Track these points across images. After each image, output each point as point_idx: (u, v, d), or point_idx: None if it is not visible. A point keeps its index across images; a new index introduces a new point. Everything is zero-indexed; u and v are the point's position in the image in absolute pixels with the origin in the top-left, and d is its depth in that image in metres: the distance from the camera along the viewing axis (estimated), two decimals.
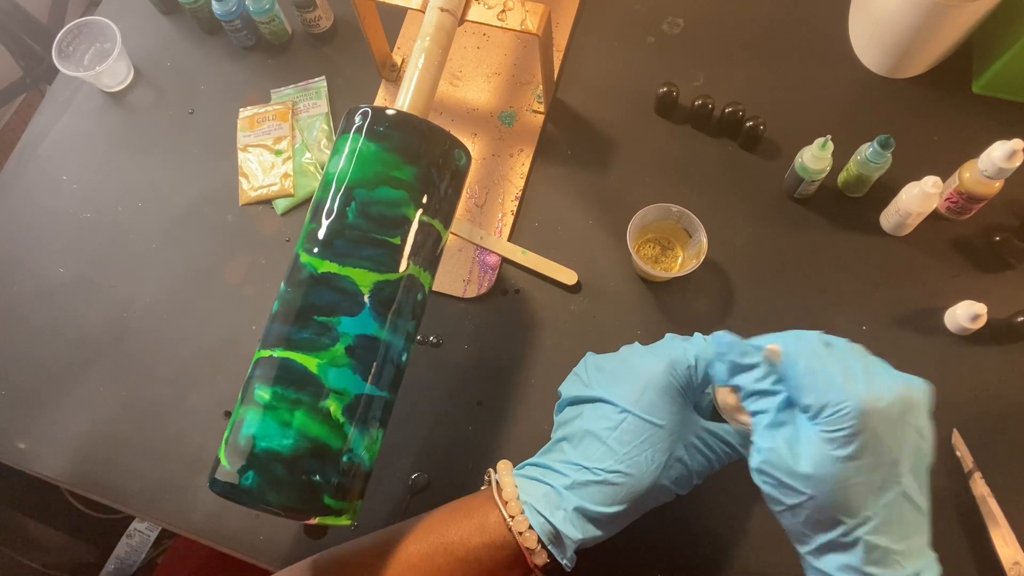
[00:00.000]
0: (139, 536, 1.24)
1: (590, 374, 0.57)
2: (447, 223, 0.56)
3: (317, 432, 0.49)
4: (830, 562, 0.45)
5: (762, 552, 0.63)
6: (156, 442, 0.71)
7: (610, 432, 0.51)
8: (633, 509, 0.52)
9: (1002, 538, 0.60)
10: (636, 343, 0.59)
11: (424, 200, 0.54)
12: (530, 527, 0.50)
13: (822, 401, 0.43)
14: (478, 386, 0.70)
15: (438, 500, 0.66)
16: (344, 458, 0.49)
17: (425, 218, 0.54)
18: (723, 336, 0.49)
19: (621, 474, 0.50)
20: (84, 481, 0.71)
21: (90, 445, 0.71)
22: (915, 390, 0.45)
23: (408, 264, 0.53)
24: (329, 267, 0.51)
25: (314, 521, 0.50)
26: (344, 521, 0.51)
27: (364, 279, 0.51)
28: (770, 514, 0.64)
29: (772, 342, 0.47)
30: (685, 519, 0.64)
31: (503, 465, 0.55)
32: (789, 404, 0.46)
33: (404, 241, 0.53)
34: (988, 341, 0.68)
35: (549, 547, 0.50)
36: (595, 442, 0.52)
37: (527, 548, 0.50)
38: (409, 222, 0.53)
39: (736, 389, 0.49)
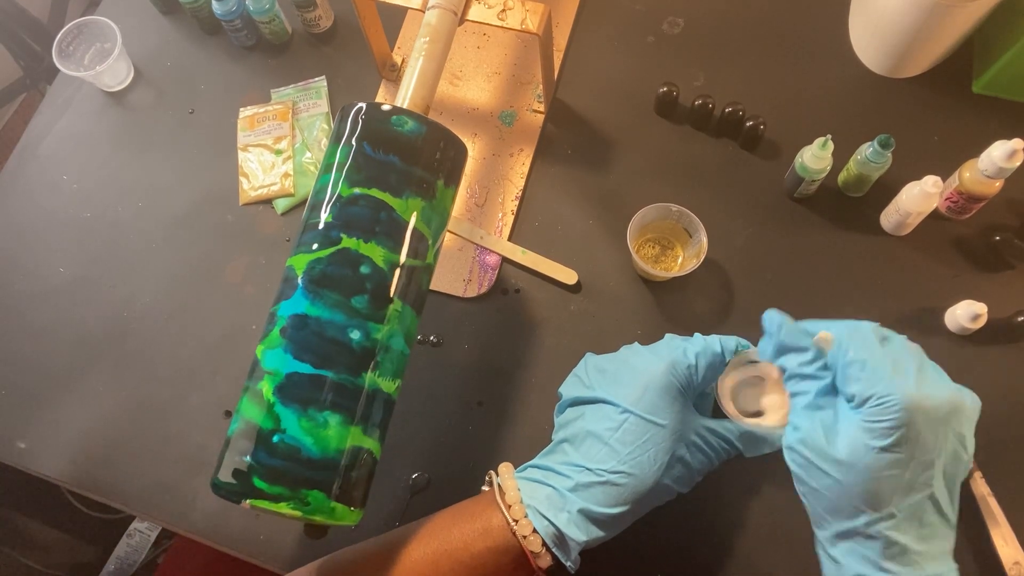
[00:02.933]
0: (139, 536, 1.24)
1: (591, 375, 0.57)
2: (399, 191, 0.53)
3: (251, 413, 0.50)
4: (845, 550, 0.45)
5: (762, 552, 0.63)
6: (156, 442, 0.71)
7: (612, 433, 0.51)
8: (636, 509, 0.52)
9: (1002, 538, 0.60)
10: (636, 343, 0.59)
11: (357, 173, 0.53)
12: (534, 530, 0.50)
13: (868, 391, 0.43)
14: (478, 386, 0.70)
15: (438, 500, 0.66)
16: (275, 439, 0.49)
17: (359, 190, 0.53)
18: (774, 315, 0.49)
19: (624, 474, 0.50)
20: (84, 481, 0.71)
21: (90, 445, 0.71)
22: (966, 398, 0.45)
23: (341, 238, 0.52)
24: (286, 263, 0.54)
25: (246, 505, 0.49)
26: (285, 508, 0.48)
27: (300, 263, 0.53)
28: (770, 513, 0.64)
29: (825, 329, 0.47)
30: (685, 519, 0.64)
31: (504, 468, 0.55)
32: (830, 391, 0.46)
33: (336, 217, 0.53)
34: (988, 341, 0.68)
35: (553, 550, 0.50)
36: (597, 443, 0.52)
37: (531, 551, 0.50)
38: (340, 198, 0.53)
39: (781, 369, 0.49)
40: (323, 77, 0.83)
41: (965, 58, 0.77)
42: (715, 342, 0.55)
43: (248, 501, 0.49)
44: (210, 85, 0.85)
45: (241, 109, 0.82)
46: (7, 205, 0.82)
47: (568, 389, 0.58)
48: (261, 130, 0.81)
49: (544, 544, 0.50)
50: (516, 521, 0.51)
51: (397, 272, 0.53)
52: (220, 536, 0.68)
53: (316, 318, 0.51)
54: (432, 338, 0.72)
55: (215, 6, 0.80)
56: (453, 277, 0.73)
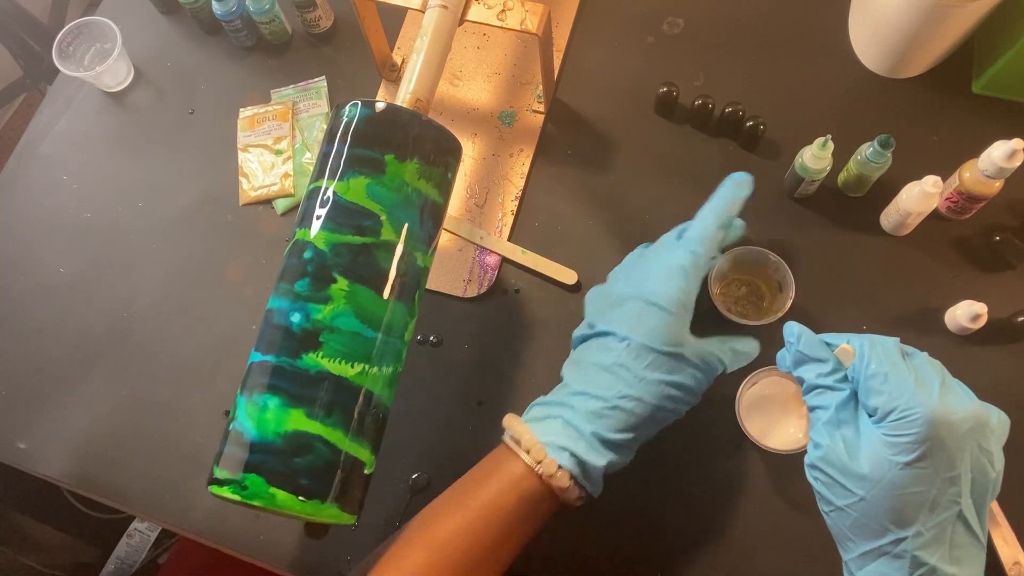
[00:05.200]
0: (139, 536, 1.24)
1: (590, 313, 0.58)
2: (343, 174, 0.54)
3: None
4: (872, 572, 0.44)
5: (762, 554, 0.63)
6: (156, 442, 0.71)
7: (614, 360, 0.52)
8: (643, 432, 0.53)
9: (1002, 538, 0.60)
10: (616, 273, 0.61)
11: (314, 171, 0.56)
12: (559, 467, 0.50)
13: (891, 404, 0.42)
14: (478, 386, 0.70)
15: None
16: (230, 426, 0.51)
17: (313, 185, 0.56)
18: (793, 326, 0.49)
19: (629, 398, 0.51)
20: (84, 481, 0.71)
21: (90, 445, 0.71)
22: (992, 414, 0.44)
23: (295, 232, 0.55)
24: None
25: (210, 492, 0.51)
26: (227, 492, 0.49)
27: None
28: (770, 517, 0.64)
29: (845, 342, 0.47)
30: (687, 519, 0.64)
31: (510, 418, 0.55)
32: (850, 404, 0.46)
33: (301, 216, 0.55)
34: (988, 341, 0.67)
35: (580, 480, 0.51)
36: (600, 371, 0.53)
37: (560, 487, 0.50)
38: (303, 199, 0.56)
39: (799, 381, 0.49)
40: (323, 77, 0.83)
41: (965, 58, 0.77)
42: (697, 251, 0.55)
43: (209, 488, 0.50)
44: (210, 85, 0.85)
45: (241, 109, 0.82)
46: (7, 205, 0.82)
47: (577, 331, 0.59)
48: (261, 130, 0.81)
49: (572, 477, 0.50)
50: (539, 462, 0.51)
51: (339, 252, 0.52)
52: (220, 536, 0.68)
53: (271, 309, 0.53)
54: (432, 338, 0.72)
55: (215, 6, 0.80)
56: (453, 277, 0.73)
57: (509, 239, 0.75)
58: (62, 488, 1.06)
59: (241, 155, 0.80)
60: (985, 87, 0.75)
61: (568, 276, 0.72)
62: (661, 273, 0.55)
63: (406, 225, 0.55)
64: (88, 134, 0.84)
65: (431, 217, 0.57)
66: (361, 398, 0.52)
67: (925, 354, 0.47)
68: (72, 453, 0.71)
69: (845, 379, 0.46)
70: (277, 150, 0.80)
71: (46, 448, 0.72)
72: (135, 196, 0.80)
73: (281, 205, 0.78)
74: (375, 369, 0.52)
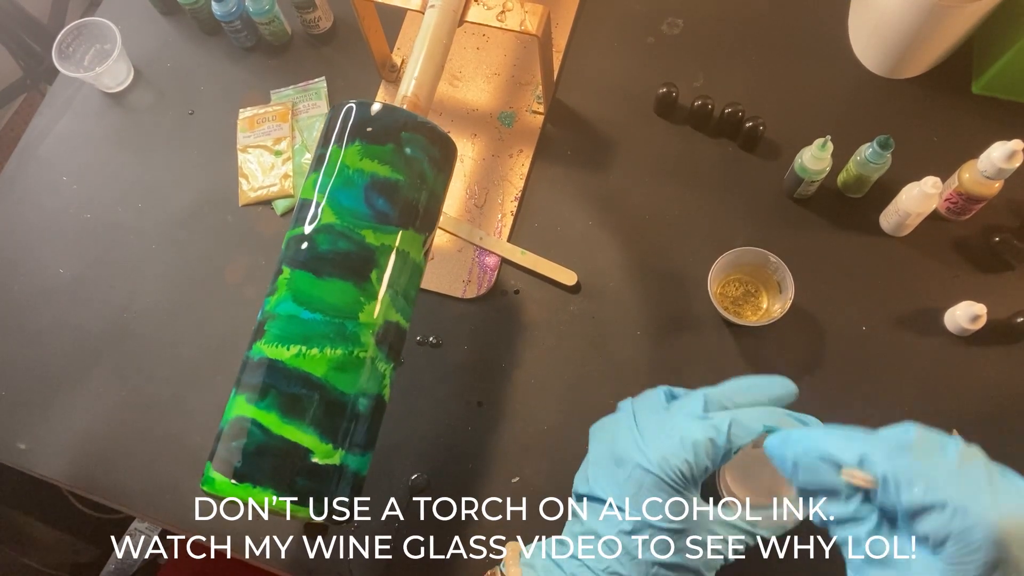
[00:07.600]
0: (139, 536, 1.24)
1: (589, 467, 0.54)
2: (307, 176, 0.58)
3: None
4: None
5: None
6: (156, 442, 0.71)
7: (606, 530, 0.49)
8: None
9: None
10: (627, 416, 0.53)
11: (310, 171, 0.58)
12: None
13: (944, 531, 0.35)
14: (478, 386, 0.70)
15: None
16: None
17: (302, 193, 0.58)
18: (784, 450, 0.42)
19: None
20: (84, 481, 0.71)
21: (90, 445, 0.71)
22: None
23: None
24: None
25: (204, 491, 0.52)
26: (202, 485, 0.51)
27: None
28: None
29: (854, 461, 0.38)
30: None
31: (511, 554, 0.52)
32: (882, 527, 0.39)
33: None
34: (988, 341, 0.67)
35: None
36: (595, 541, 0.50)
37: None
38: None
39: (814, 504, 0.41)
40: (323, 78, 0.83)
41: (965, 58, 0.77)
42: (722, 432, 0.47)
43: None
44: (210, 86, 0.85)
45: (241, 110, 0.82)
46: (7, 206, 0.82)
47: (577, 480, 0.55)
48: (261, 131, 0.81)
49: None
50: None
51: (289, 245, 0.55)
52: (220, 536, 0.68)
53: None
54: (432, 339, 0.72)
55: (215, 7, 0.80)
56: (452, 278, 0.73)
57: (509, 240, 0.75)
58: (62, 488, 1.06)
59: (241, 156, 0.80)
60: (985, 87, 0.75)
61: (568, 277, 0.72)
62: (674, 443, 0.48)
63: (346, 205, 0.54)
64: (88, 135, 0.84)
65: (383, 194, 0.54)
66: (298, 381, 0.50)
67: (958, 439, 0.38)
68: (72, 453, 0.71)
69: (867, 498, 0.39)
70: (277, 151, 0.80)
71: (46, 448, 0.72)
72: (135, 197, 0.81)
73: (281, 206, 0.78)
74: (315, 351, 0.51)
